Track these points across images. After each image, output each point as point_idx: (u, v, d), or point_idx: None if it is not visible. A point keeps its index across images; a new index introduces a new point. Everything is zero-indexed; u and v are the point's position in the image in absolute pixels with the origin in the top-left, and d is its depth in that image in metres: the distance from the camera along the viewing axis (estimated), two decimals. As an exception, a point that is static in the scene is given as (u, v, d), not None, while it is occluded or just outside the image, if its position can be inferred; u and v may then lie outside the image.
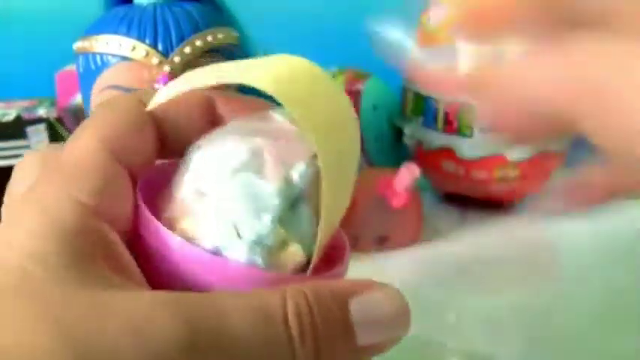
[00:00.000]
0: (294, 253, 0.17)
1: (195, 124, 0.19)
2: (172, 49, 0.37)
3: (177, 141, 0.19)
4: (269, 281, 0.16)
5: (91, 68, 0.38)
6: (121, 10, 0.39)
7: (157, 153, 0.19)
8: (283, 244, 0.17)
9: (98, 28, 0.39)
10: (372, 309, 0.16)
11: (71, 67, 0.49)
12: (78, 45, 0.39)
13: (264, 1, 0.58)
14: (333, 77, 0.52)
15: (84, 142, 0.17)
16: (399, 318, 0.17)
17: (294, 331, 0.15)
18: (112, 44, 0.37)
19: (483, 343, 0.38)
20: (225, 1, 0.42)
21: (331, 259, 0.19)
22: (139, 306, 0.14)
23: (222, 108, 0.19)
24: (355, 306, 0.16)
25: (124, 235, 0.16)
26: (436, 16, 0.50)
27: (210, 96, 0.19)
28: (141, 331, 0.14)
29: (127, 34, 0.37)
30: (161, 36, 0.37)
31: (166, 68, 0.37)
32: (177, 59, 0.37)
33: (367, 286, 0.17)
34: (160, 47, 0.37)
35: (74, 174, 0.16)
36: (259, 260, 0.17)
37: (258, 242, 0.17)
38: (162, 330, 0.14)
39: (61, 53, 0.43)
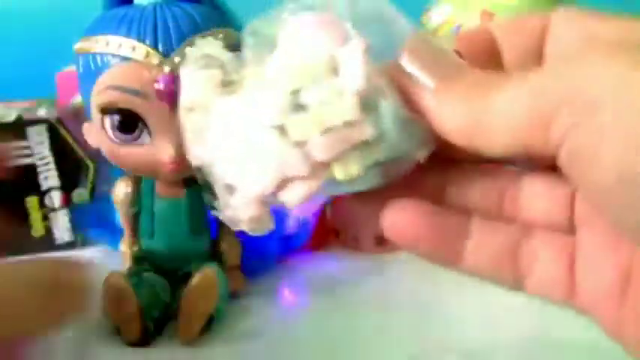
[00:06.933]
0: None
1: None
2: (173, 50, 0.37)
3: None
4: None
5: (91, 69, 0.38)
6: (121, 10, 0.39)
7: None
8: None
9: (98, 28, 0.39)
10: None
11: (71, 68, 0.49)
12: (78, 45, 0.39)
13: (264, 1, 0.58)
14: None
15: None
16: None
17: None
18: (112, 45, 0.37)
19: (483, 342, 0.38)
20: (225, 2, 0.42)
21: None
22: None
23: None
24: None
25: None
26: (436, 16, 0.50)
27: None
28: None
29: (127, 34, 0.37)
30: (161, 36, 0.37)
31: (167, 68, 0.37)
32: (177, 59, 0.37)
33: None
34: (160, 47, 0.37)
35: None
36: None
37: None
38: None
39: (61, 54, 0.43)
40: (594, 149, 0.15)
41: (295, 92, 0.18)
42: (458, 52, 0.19)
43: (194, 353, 0.39)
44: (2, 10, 0.65)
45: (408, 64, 0.18)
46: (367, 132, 0.18)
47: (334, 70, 0.18)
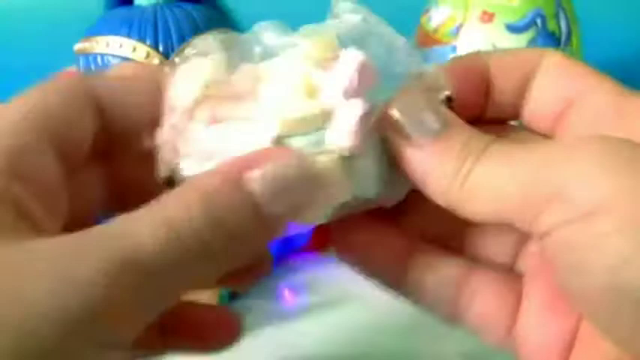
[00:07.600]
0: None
1: (143, 112, 0.19)
2: (173, 50, 0.37)
3: (122, 127, 0.19)
4: None
5: (92, 69, 0.38)
6: (122, 11, 0.39)
7: (97, 136, 0.19)
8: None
9: (99, 29, 0.39)
10: (273, 179, 0.16)
11: (72, 68, 0.49)
12: (78, 46, 0.40)
13: (264, 2, 0.58)
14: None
15: (8, 111, 0.17)
16: (301, 182, 0.17)
17: (206, 236, 0.15)
18: (112, 45, 0.37)
19: (483, 342, 0.38)
20: (226, 3, 0.42)
21: None
22: (62, 249, 0.14)
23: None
24: (256, 180, 0.16)
25: (46, 193, 0.16)
26: (436, 16, 0.50)
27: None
28: (65, 274, 0.14)
29: (128, 35, 0.37)
30: (162, 37, 0.37)
31: (167, 69, 0.37)
32: (178, 60, 0.37)
33: (264, 156, 0.16)
34: (160, 48, 0.37)
35: None
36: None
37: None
38: (86, 271, 0.14)
39: (61, 54, 0.43)
40: (587, 254, 0.15)
41: (283, 137, 0.17)
42: (449, 98, 0.18)
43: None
44: (2, 10, 0.65)
45: (397, 118, 0.17)
46: (344, 194, 0.17)
47: (327, 119, 0.17)
